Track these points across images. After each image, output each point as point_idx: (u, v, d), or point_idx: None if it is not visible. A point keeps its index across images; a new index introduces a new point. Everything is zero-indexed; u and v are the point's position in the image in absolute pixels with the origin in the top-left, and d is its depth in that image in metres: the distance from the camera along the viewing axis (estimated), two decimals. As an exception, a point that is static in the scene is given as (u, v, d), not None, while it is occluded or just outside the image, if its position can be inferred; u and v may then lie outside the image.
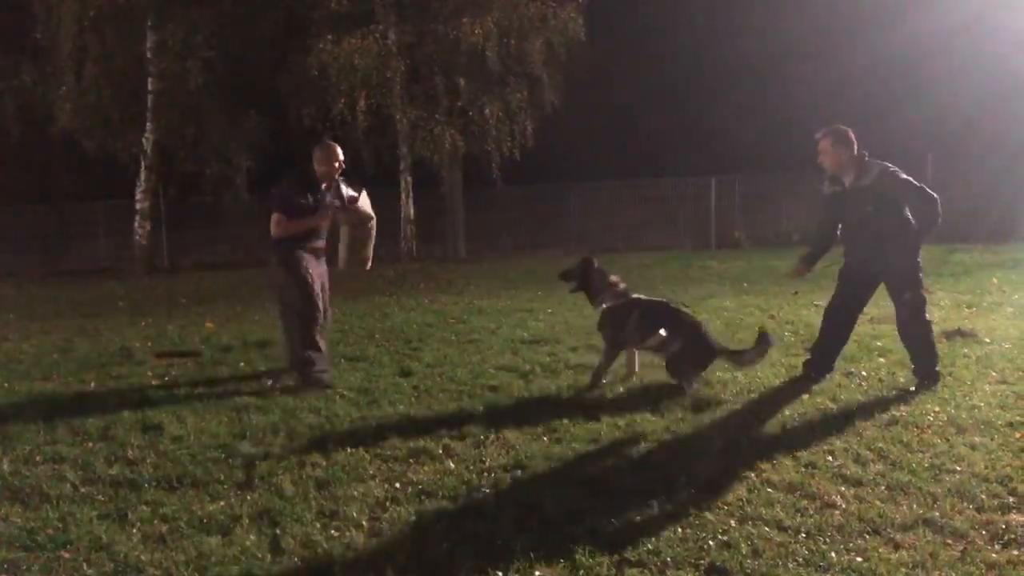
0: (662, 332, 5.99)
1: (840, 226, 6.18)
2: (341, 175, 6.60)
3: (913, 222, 5.82)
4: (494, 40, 19.18)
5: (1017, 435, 4.76)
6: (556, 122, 20.92)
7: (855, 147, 5.91)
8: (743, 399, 5.70)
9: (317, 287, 6.47)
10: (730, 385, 6.04)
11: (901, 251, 5.83)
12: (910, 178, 5.79)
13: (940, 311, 8.88)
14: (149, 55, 19.29)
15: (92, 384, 6.82)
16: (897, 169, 5.81)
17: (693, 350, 5.96)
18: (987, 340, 7.36)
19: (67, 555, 3.54)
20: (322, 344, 6.53)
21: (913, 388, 5.78)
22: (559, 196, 22.30)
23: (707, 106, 23.95)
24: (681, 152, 23.02)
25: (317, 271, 6.53)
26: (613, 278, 6.39)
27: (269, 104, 20.26)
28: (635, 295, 6.40)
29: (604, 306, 6.27)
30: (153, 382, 6.84)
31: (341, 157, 6.51)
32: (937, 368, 5.92)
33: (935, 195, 5.75)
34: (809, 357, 6.38)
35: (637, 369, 6.40)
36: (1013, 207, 17.49)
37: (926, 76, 22.32)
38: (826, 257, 6.39)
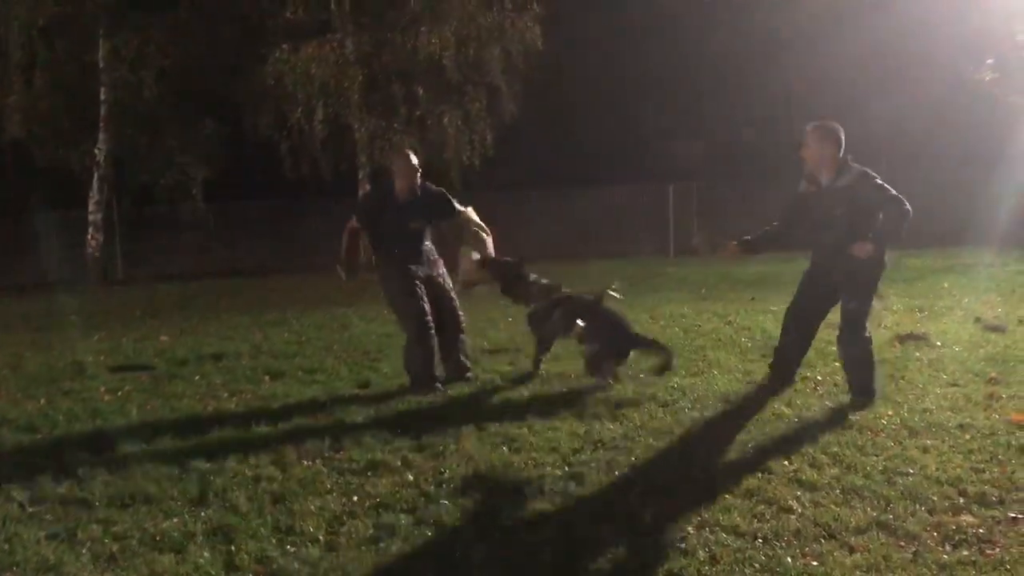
0: (579, 323, 6.46)
1: (808, 228, 5.97)
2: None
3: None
4: (452, 49, 19.16)
5: (967, 437, 4.85)
6: (515, 130, 20.96)
7: (841, 148, 5.72)
8: (699, 406, 5.73)
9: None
10: (687, 392, 6.07)
11: (863, 261, 5.60)
12: (887, 186, 5.59)
13: (893, 315, 9.04)
14: (101, 64, 18.98)
15: (42, 400, 6.65)
16: (876, 176, 5.64)
17: (609, 345, 6.41)
18: (938, 343, 7.49)
19: (13, 577, 3.46)
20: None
21: (847, 402, 5.64)
22: (518, 204, 22.27)
23: (665, 114, 24.19)
24: (639, 160, 23.20)
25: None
26: (534, 278, 6.83)
27: (225, 113, 20.06)
28: (560, 294, 6.76)
29: (531, 308, 6.78)
30: (106, 397, 6.69)
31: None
32: (874, 385, 5.74)
33: (909, 208, 5.51)
34: (771, 365, 6.28)
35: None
36: (965, 212, 17.83)
37: (880, 82, 22.76)
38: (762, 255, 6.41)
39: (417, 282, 6.51)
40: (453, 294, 6.84)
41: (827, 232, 5.78)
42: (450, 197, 6.81)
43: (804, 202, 5.97)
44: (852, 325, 5.74)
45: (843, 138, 5.74)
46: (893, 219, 5.56)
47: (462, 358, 6.79)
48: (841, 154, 5.74)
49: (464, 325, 6.90)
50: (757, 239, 6.21)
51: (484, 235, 6.82)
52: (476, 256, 6.77)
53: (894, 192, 5.58)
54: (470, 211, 6.84)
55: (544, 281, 6.82)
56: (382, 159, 19.48)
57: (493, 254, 6.82)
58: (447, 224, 6.92)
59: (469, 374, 6.76)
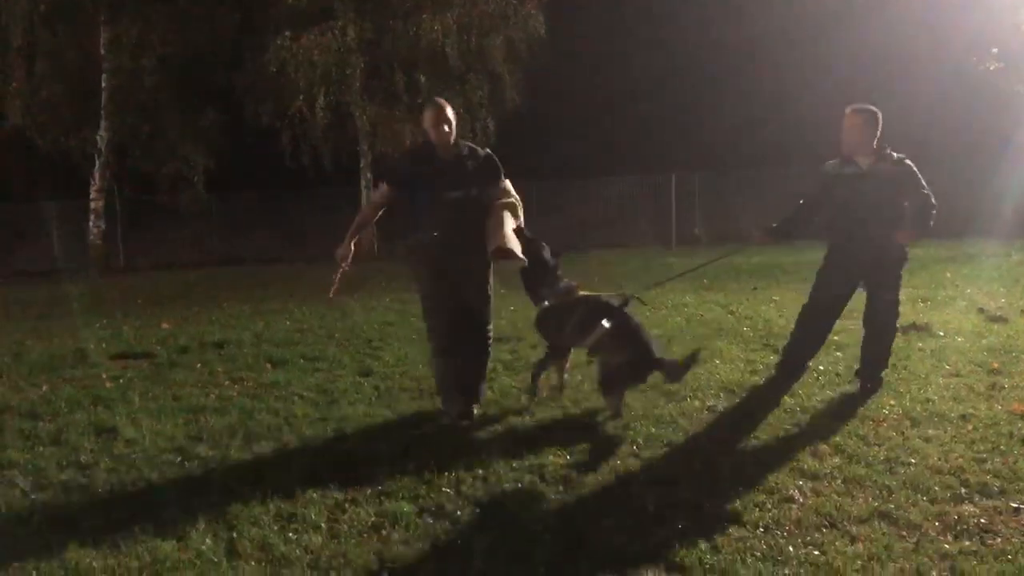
0: (604, 323, 5.23)
1: (835, 210, 5.79)
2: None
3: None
4: (454, 36, 19.15)
5: (969, 427, 4.84)
6: (517, 119, 20.92)
7: (879, 133, 5.63)
8: (702, 395, 5.73)
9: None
10: (688, 381, 6.04)
11: (893, 251, 5.64)
12: (922, 178, 5.58)
13: (895, 305, 9.02)
14: (103, 51, 18.96)
15: (44, 387, 6.65)
16: (913, 164, 5.62)
17: (632, 364, 5.22)
18: (941, 334, 7.48)
19: (16, 563, 3.45)
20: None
21: (854, 390, 5.67)
22: (520, 193, 22.28)
23: (668, 104, 24.10)
24: (641, 149, 23.15)
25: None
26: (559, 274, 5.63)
27: (226, 102, 20.03)
28: (581, 293, 5.56)
29: (545, 304, 5.53)
30: (107, 384, 6.69)
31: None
32: (882, 375, 5.78)
33: (936, 203, 5.54)
34: (780, 364, 6.21)
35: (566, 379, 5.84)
36: (969, 202, 17.80)
37: (884, 73, 22.67)
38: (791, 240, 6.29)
39: (448, 289, 5.41)
40: (489, 306, 5.65)
41: (868, 214, 5.61)
42: (497, 161, 5.56)
43: (836, 183, 5.78)
44: (890, 315, 5.80)
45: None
46: (924, 213, 5.58)
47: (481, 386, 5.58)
48: (878, 138, 5.65)
49: (491, 346, 5.71)
50: (784, 223, 6.01)
51: (518, 204, 5.64)
52: (512, 224, 5.43)
53: (926, 185, 5.59)
54: (507, 182, 5.65)
55: (565, 281, 5.58)
56: (383, 146, 19.47)
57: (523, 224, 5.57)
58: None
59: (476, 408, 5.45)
